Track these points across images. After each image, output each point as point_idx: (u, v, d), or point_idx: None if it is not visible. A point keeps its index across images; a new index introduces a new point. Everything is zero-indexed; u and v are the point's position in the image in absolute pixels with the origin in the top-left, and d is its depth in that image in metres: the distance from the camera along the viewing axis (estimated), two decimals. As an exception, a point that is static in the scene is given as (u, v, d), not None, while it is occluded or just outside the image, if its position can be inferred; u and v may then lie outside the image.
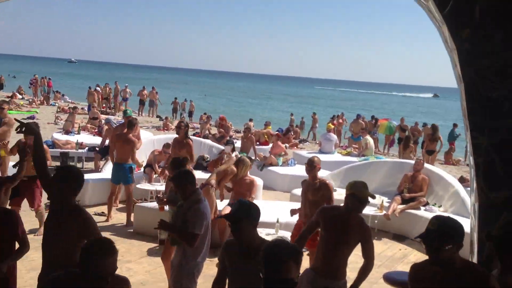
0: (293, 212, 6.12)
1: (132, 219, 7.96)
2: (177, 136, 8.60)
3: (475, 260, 4.23)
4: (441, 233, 2.48)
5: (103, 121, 15.07)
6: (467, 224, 5.86)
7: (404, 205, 8.37)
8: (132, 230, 7.71)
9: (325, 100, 73.47)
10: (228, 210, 6.62)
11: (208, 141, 12.31)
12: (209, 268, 5.14)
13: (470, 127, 4.17)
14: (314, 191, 5.68)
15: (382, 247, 7.65)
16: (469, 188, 4.99)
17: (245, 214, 2.96)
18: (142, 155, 9.94)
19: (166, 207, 6.06)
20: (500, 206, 4.02)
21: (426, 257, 2.70)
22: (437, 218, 2.66)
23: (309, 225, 4.22)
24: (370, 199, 4.07)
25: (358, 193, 3.97)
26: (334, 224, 3.96)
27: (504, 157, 3.99)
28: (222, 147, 11.05)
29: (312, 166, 5.75)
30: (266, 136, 15.73)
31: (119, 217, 8.36)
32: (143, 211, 7.66)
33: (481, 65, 4.01)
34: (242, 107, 48.22)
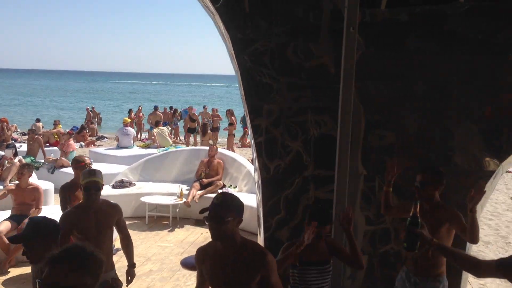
0: None
1: None
2: None
3: (262, 232, 4.62)
4: (224, 205, 2.61)
5: None
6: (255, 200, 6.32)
7: (203, 191, 8.67)
8: None
9: (121, 94, 71.49)
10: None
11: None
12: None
13: (249, 110, 4.50)
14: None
15: (185, 234, 7.82)
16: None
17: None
18: None
19: None
20: (279, 182, 4.46)
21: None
22: (221, 194, 2.81)
23: None
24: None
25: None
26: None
27: (281, 135, 4.41)
28: (2, 152, 9.88)
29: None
30: (56, 136, 14.53)
31: None
32: None
33: (252, 53, 4.34)
34: (26, 107, 43.66)
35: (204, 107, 22.05)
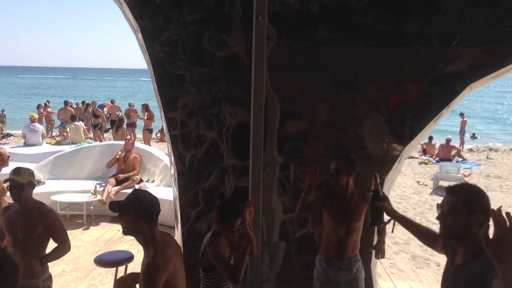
0: None
1: None
2: None
3: (179, 226, 4.55)
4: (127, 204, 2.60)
5: None
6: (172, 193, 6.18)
7: (118, 186, 8.39)
8: None
9: (26, 89, 67.09)
10: None
11: None
12: None
13: (162, 103, 4.39)
14: None
15: (100, 232, 7.54)
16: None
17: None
18: None
19: None
20: (196, 173, 4.41)
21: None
22: (135, 190, 2.73)
23: None
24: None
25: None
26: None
27: (196, 127, 4.36)
28: None
29: None
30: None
31: None
32: None
33: (164, 43, 4.23)
34: None
35: (112, 101, 21.41)
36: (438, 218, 2.23)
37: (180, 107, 4.35)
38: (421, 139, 4.50)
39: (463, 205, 2.15)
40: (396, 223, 2.73)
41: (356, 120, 4.36)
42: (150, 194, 2.67)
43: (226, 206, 3.19)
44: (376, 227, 3.96)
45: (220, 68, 4.26)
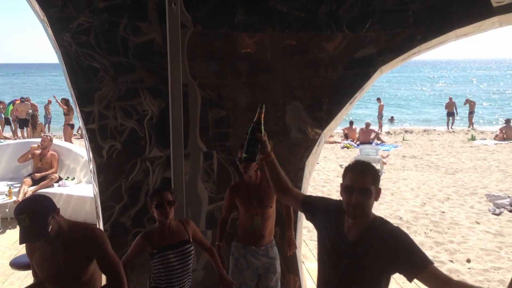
0: None
1: None
2: None
3: (101, 222, 4.40)
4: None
5: None
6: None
7: (35, 186, 7.94)
8: None
9: None
10: None
11: None
12: None
13: (76, 96, 4.20)
14: None
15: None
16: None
17: None
18: None
19: None
20: (117, 167, 4.27)
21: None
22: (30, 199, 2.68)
23: None
24: None
25: None
26: None
27: (114, 118, 4.21)
28: None
29: None
30: None
31: None
32: None
33: (74, 33, 4.03)
34: None
35: (26, 98, 20.27)
36: (355, 200, 2.19)
37: (96, 100, 4.18)
38: (339, 121, 4.66)
39: (372, 182, 2.21)
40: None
41: (276, 105, 4.43)
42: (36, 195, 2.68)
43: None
44: (287, 222, 4.08)
45: (136, 56, 4.14)
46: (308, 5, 4.31)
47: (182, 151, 4.03)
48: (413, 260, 2.14)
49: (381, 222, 2.27)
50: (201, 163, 4.39)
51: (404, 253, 2.15)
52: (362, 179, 2.19)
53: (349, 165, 2.34)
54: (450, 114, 23.50)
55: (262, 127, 2.43)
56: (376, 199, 2.26)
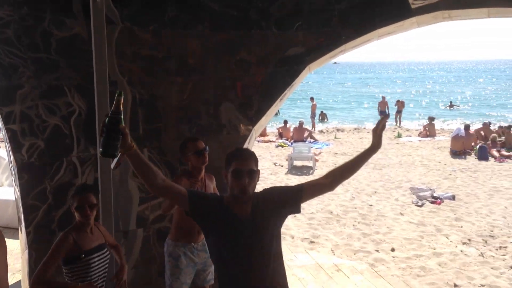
0: None
1: None
2: None
3: (23, 227, 4.19)
4: None
5: None
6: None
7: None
8: None
9: None
10: None
11: None
12: None
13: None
14: None
15: None
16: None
17: None
18: None
19: None
20: (41, 168, 4.10)
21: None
22: None
23: None
24: None
25: None
26: None
27: (37, 117, 4.04)
28: None
29: None
30: None
31: None
32: None
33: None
34: None
35: None
36: (245, 182, 2.43)
37: (18, 98, 3.99)
38: (269, 117, 4.76)
39: (255, 164, 2.50)
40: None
41: (207, 103, 4.45)
42: None
43: None
44: None
45: (59, 53, 4.00)
46: (240, 3, 4.37)
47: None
48: (289, 193, 2.60)
49: (259, 193, 2.58)
50: (132, 161, 4.31)
51: (280, 195, 2.59)
52: (248, 162, 2.46)
53: (231, 152, 2.55)
54: (383, 113, 24.58)
55: (122, 116, 2.17)
56: (257, 180, 2.53)
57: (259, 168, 2.56)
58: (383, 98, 25.58)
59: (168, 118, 4.37)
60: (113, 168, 3.77)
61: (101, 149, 2.15)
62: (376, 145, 2.67)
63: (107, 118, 2.15)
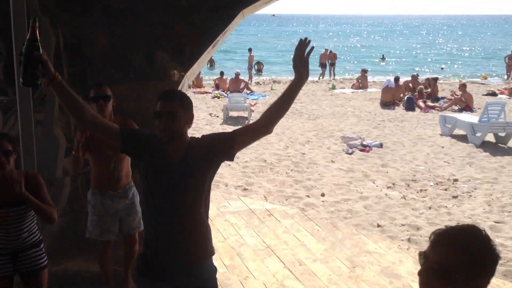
0: None
1: None
2: None
3: None
4: None
5: None
6: None
7: None
8: None
9: None
10: None
11: None
12: None
13: None
14: None
15: None
16: None
17: None
18: None
19: None
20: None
21: None
22: None
23: None
24: None
25: None
26: None
27: None
28: None
29: None
30: None
31: None
32: None
33: None
34: None
35: None
36: (163, 124, 2.35)
37: None
38: (201, 64, 4.70)
39: (180, 106, 2.39)
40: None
41: (139, 51, 4.31)
42: None
43: None
44: None
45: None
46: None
47: (30, 94, 3.72)
48: (222, 140, 2.53)
49: (195, 139, 2.55)
50: (57, 106, 4.14)
51: (213, 142, 2.52)
52: (168, 104, 2.37)
53: (157, 93, 2.49)
54: (323, 65, 24.79)
55: (39, 44, 2.11)
56: (188, 124, 2.46)
57: (195, 117, 2.54)
58: (326, 50, 25.60)
59: (96, 62, 4.19)
60: (35, 97, 3.56)
61: (21, 80, 2.11)
62: (304, 75, 2.52)
63: (24, 46, 2.09)
